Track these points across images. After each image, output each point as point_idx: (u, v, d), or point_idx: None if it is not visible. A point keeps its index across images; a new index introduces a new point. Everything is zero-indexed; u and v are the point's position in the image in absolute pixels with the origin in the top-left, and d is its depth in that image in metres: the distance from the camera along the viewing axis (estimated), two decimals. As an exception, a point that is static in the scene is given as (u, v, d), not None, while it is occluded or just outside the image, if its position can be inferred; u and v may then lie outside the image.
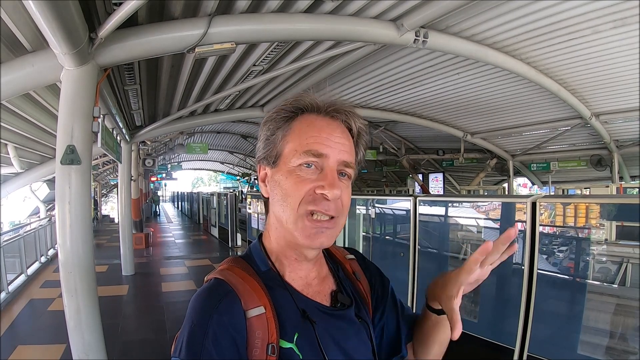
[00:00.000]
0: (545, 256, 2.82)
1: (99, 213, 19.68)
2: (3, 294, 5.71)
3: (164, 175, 19.29)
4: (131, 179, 8.36)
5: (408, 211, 3.89)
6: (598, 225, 2.62)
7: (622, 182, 9.44)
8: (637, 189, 10.02)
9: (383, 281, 0.86)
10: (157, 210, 24.19)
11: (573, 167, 10.26)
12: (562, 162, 10.39)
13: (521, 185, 18.38)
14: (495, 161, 11.36)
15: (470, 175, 13.99)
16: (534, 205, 2.85)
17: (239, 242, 10.34)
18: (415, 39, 4.15)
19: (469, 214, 3.54)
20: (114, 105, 5.02)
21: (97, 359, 3.07)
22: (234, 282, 0.66)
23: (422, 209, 3.79)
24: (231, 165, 23.74)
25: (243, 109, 7.83)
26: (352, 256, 0.87)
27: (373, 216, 4.59)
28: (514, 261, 2.94)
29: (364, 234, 4.75)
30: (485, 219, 3.37)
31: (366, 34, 4.05)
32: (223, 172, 28.02)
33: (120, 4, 2.69)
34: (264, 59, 4.98)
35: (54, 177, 3.14)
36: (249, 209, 8.39)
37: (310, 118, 0.69)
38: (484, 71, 6.20)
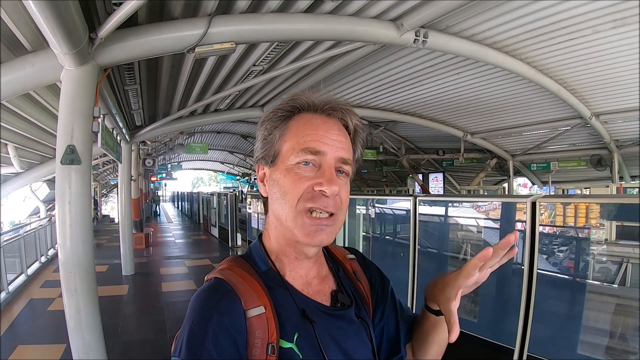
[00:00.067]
0: (545, 256, 2.82)
1: (99, 213, 19.68)
2: (3, 294, 5.71)
3: (164, 175, 19.29)
4: (131, 179, 8.36)
5: (408, 211, 3.89)
6: (598, 225, 2.62)
7: (622, 182, 9.44)
8: (637, 189, 10.02)
9: (383, 281, 0.86)
10: (157, 210, 24.21)
11: (573, 167, 10.26)
12: (562, 162, 10.39)
13: (521, 185, 18.37)
14: (495, 161, 11.36)
15: (470, 175, 13.99)
16: (533, 205, 2.85)
17: (239, 242, 10.34)
18: (415, 39, 4.15)
19: (469, 214, 3.54)
20: (114, 105, 5.02)
21: (97, 359, 3.07)
22: (234, 281, 0.66)
23: (422, 209, 3.79)
24: (231, 165, 23.74)
25: (243, 109, 7.84)
26: (352, 256, 0.87)
27: (373, 216, 4.59)
28: (514, 261, 2.94)
29: (364, 233, 4.75)
30: (485, 219, 3.38)
31: (366, 34, 4.05)
32: (223, 172, 28.02)
33: (120, 4, 2.69)
34: (264, 59, 4.98)
35: (54, 177, 3.14)
36: (249, 208, 8.40)
37: (306, 116, 0.70)
38: (484, 71, 6.20)
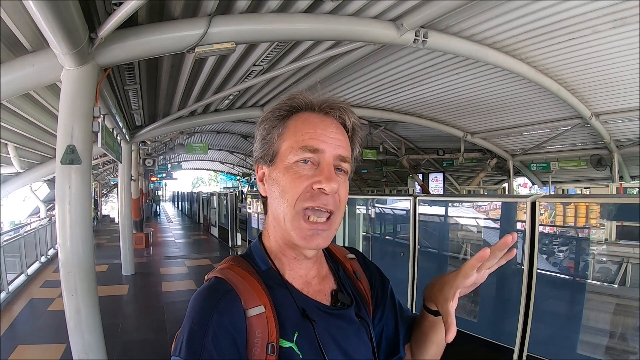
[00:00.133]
0: (545, 256, 2.82)
1: (99, 213, 19.67)
2: (3, 294, 5.71)
3: (164, 175, 19.28)
4: (131, 179, 8.36)
5: (408, 211, 3.89)
6: (598, 225, 2.62)
7: (622, 182, 9.44)
8: (637, 189, 10.03)
9: (383, 281, 0.86)
10: (157, 210, 24.20)
11: (573, 167, 10.26)
12: (562, 162, 10.39)
13: (521, 185, 18.37)
14: (495, 161, 11.36)
15: (470, 175, 13.99)
16: (533, 205, 2.85)
17: (239, 242, 10.34)
18: (415, 39, 4.15)
19: (469, 214, 3.54)
20: (114, 105, 5.03)
21: (97, 359, 3.07)
22: (234, 281, 0.66)
23: (422, 209, 3.79)
24: (231, 165, 23.74)
25: (243, 109, 7.84)
26: (352, 255, 0.87)
27: (373, 216, 4.59)
28: (513, 261, 2.94)
29: (364, 233, 4.75)
30: (485, 218, 3.38)
31: (366, 34, 4.05)
32: (223, 172, 28.02)
33: (120, 4, 2.70)
34: (264, 59, 4.98)
35: (54, 177, 3.14)
36: (249, 208, 8.40)
37: (304, 115, 0.71)
38: (484, 71, 6.20)
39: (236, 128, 13.19)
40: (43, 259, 8.48)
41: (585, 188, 10.35)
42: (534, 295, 2.77)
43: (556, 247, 2.82)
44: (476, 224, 3.52)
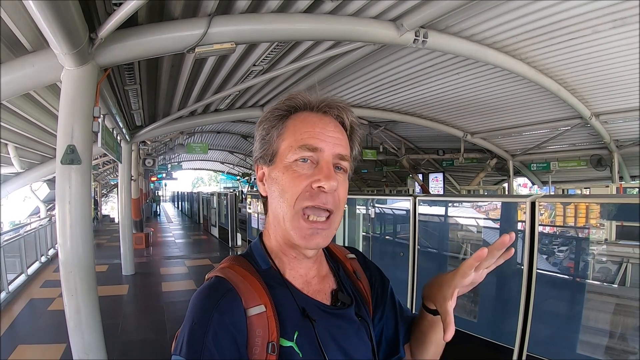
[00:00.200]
0: (545, 256, 2.82)
1: (99, 213, 19.67)
2: (3, 294, 5.71)
3: (164, 175, 19.27)
4: (131, 179, 8.36)
5: (408, 211, 3.89)
6: (598, 225, 2.62)
7: (622, 182, 9.44)
8: (637, 189, 10.03)
9: (383, 281, 0.86)
10: (157, 210, 24.20)
11: (573, 167, 10.26)
12: (562, 162, 10.39)
13: (521, 185, 18.37)
14: (495, 161, 11.36)
15: (470, 175, 13.99)
16: (533, 205, 2.85)
17: (239, 242, 10.34)
18: (415, 39, 4.16)
19: (469, 214, 3.55)
20: (114, 105, 5.03)
21: (97, 359, 3.07)
22: (234, 280, 0.66)
23: (422, 209, 3.80)
24: (231, 165, 23.74)
25: (243, 109, 7.84)
26: (352, 255, 0.87)
27: (373, 216, 4.59)
28: (513, 261, 2.94)
29: (364, 233, 4.75)
30: (485, 218, 3.38)
31: (366, 34, 4.05)
32: (223, 172, 28.02)
33: (120, 4, 2.70)
34: (264, 59, 4.98)
35: (54, 177, 3.14)
36: (249, 208, 8.40)
37: (303, 115, 0.71)
38: (484, 71, 6.20)
39: (236, 128, 13.20)
40: (43, 259, 8.48)
41: (585, 188, 10.35)
42: (534, 295, 2.77)
43: (556, 247, 2.82)
44: (476, 224, 3.52)
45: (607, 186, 8.85)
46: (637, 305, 2.39)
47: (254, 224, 7.95)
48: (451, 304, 0.69)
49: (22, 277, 6.81)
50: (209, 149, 12.86)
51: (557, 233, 2.86)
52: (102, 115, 3.79)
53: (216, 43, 3.42)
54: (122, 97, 5.67)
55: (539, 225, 2.82)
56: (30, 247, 7.75)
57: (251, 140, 14.10)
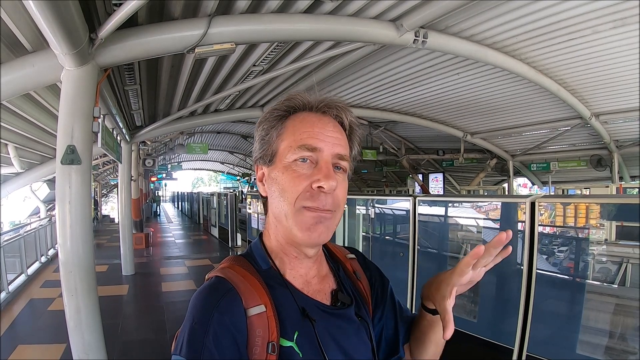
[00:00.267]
0: (545, 256, 2.82)
1: (99, 213, 19.68)
2: (3, 294, 5.71)
3: (164, 175, 19.27)
4: (131, 179, 8.36)
5: (408, 211, 3.89)
6: (598, 225, 2.62)
7: (622, 182, 9.44)
8: (637, 189, 10.03)
9: (383, 281, 0.86)
10: (157, 210, 24.20)
11: (573, 167, 10.26)
12: (562, 162, 10.39)
13: (521, 185, 18.37)
14: (495, 161, 11.36)
15: (470, 175, 14.00)
16: (533, 205, 2.85)
17: (239, 242, 10.34)
18: (414, 39, 4.16)
19: (469, 214, 3.55)
20: (114, 105, 5.03)
21: (97, 359, 3.07)
22: (234, 280, 0.66)
23: (422, 209, 3.80)
24: (231, 166, 23.75)
25: (243, 109, 7.84)
26: (352, 255, 0.87)
27: (373, 216, 4.59)
28: (513, 261, 2.94)
29: (364, 234, 4.75)
30: (484, 219, 3.38)
31: (366, 34, 4.05)
32: (223, 172, 28.02)
33: (120, 4, 2.70)
34: (264, 59, 4.98)
35: (54, 177, 3.14)
36: (249, 209, 8.40)
37: (302, 115, 0.71)
38: (484, 71, 6.20)
39: (236, 128, 13.20)
40: (43, 259, 8.48)
41: (585, 188, 10.36)
42: (534, 295, 2.77)
43: (556, 247, 2.82)
44: (476, 224, 3.52)
45: (607, 186, 8.86)
46: (637, 305, 2.39)
47: (254, 224, 7.95)
48: (450, 303, 0.69)
49: (22, 277, 6.81)
50: (209, 149, 12.86)
51: (557, 233, 2.86)
52: (102, 116, 3.79)
53: (216, 43, 3.42)
54: (122, 97, 5.67)
55: (539, 225, 2.82)
56: (30, 247, 7.75)
57: (251, 141, 14.09)
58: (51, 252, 9.06)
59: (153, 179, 19.28)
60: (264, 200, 0.75)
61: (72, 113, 3.00)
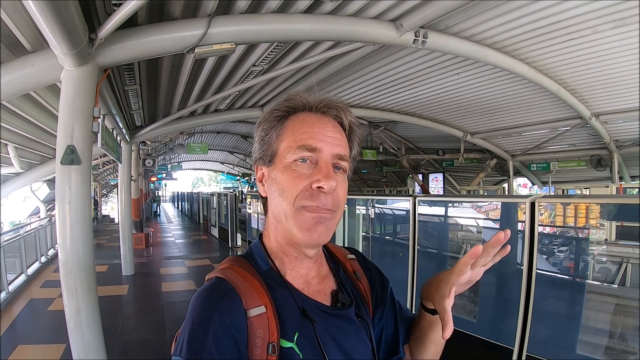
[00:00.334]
0: (545, 256, 2.82)
1: (99, 213, 19.67)
2: (3, 294, 5.71)
3: (164, 175, 19.27)
4: (131, 179, 8.36)
5: (408, 211, 3.89)
6: (598, 225, 2.62)
7: (622, 182, 9.44)
8: (637, 189, 10.03)
9: (383, 282, 0.87)
10: (157, 210, 24.20)
11: (573, 167, 10.27)
12: (562, 162, 10.39)
13: (521, 185, 18.38)
14: (495, 161, 11.36)
15: (470, 175, 14.00)
16: (532, 205, 2.85)
17: (239, 242, 10.34)
18: (414, 39, 4.16)
19: (469, 214, 3.55)
20: (114, 105, 5.03)
21: (97, 359, 3.07)
22: (235, 281, 0.66)
23: (422, 209, 3.79)
24: (231, 166, 23.75)
25: (243, 109, 7.84)
26: (352, 256, 0.87)
27: (372, 216, 4.59)
28: (513, 261, 2.94)
29: (364, 234, 4.75)
30: (484, 219, 3.38)
31: (366, 34, 4.05)
32: (223, 172, 28.02)
33: (120, 4, 2.70)
34: (263, 59, 4.98)
35: (54, 177, 3.14)
36: (249, 209, 8.40)
37: (302, 115, 0.71)
38: (484, 71, 6.20)
39: (236, 128, 13.20)
40: (43, 259, 8.48)
41: (585, 188, 10.36)
42: (534, 295, 2.77)
43: (556, 247, 2.82)
44: (476, 225, 3.52)
45: (607, 186, 8.86)
46: (637, 305, 2.39)
47: (254, 224, 7.95)
48: (449, 302, 0.69)
49: (22, 277, 6.81)
50: (209, 149, 12.86)
51: (557, 233, 2.86)
52: (102, 116, 3.79)
53: (216, 43, 3.42)
54: (122, 98, 5.67)
55: (539, 225, 2.82)
56: (30, 247, 7.75)
57: (251, 141, 14.06)
58: (51, 252, 9.06)
59: (153, 179, 19.28)
60: (264, 201, 0.75)
61: (72, 113, 3.00)
